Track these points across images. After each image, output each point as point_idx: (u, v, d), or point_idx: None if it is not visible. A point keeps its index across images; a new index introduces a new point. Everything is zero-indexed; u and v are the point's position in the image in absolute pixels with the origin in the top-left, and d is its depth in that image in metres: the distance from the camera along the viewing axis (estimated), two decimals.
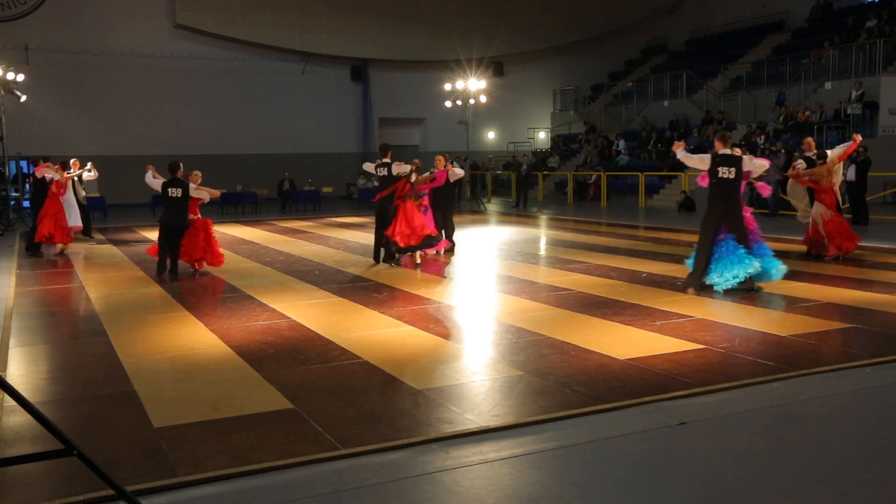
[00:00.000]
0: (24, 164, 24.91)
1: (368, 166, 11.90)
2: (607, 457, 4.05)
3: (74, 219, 14.33)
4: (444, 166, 12.14)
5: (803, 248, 11.74)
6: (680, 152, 8.82)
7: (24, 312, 8.10)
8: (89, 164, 15.34)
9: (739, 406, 4.79)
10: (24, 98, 18.94)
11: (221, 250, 10.86)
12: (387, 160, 11.23)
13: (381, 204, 11.22)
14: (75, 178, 15.02)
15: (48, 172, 13.45)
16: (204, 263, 10.48)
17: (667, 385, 5.16)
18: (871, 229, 14.71)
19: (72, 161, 15.14)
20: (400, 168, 11.14)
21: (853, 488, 3.64)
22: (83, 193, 15.89)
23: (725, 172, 8.31)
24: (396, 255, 11.07)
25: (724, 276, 8.35)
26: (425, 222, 11.19)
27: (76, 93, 25.39)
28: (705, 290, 8.50)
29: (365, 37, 29.15)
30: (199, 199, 10.53)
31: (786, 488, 3.66)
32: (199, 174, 10.69)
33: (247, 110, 28.01)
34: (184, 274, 10.26)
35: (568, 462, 4.00)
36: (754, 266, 8.25)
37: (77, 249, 13.70)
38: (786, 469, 3.87)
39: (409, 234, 10.87)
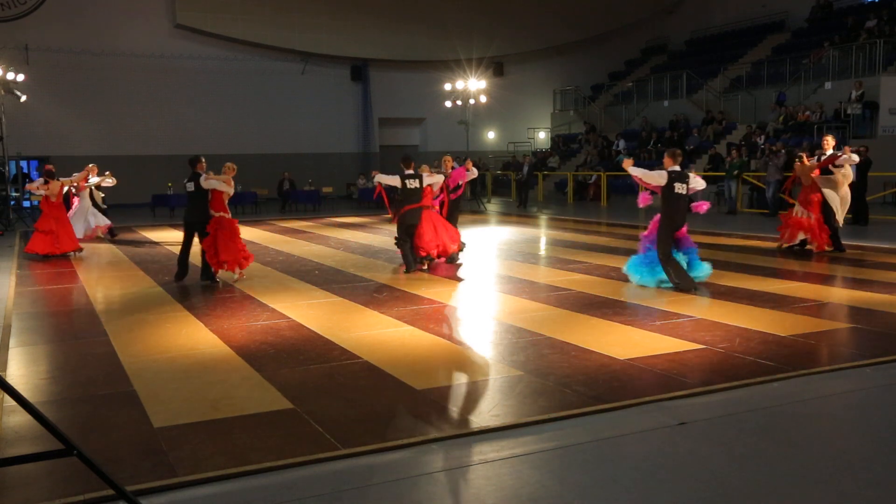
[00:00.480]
0: (24, 164, 24.90)
1: (391, 179, 10.74)
2: (607, 457, 4.05)
3: (80, 229, 14.33)
4: (463, 166, 12.01)
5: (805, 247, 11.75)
6: (632, 169, 8.88)
7: (24, 312, 8.11)
8: (107, 173, 15.50)
9: (739, 406, 4.79)
10: (24, 98, 18.95)
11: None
12: (410, 171, 10.71)
13: (412, 219, 10.61)
14: (93, 187, 15.14)
15: (34, 189, 13.21)
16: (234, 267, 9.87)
17: (667, 385, 5.16)
18: (871, 229, 14.72)
19: (90, 165, 15.21)
20: (434, 178, 10.94)
21: (853, 488, 3.64)
22: (101, 196, 15.95)
23: (680, 188, 8.62)
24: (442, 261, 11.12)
25: (645, 279, 8.90)
26: None
27: (76, 93, 25.37)
28: (701, 288, 8.57)
29: (365, 37, 29.13)
30: (223, 192, 9.81)
31: (786, 488, 3.65)
32: (233, 166, 9.92)
33: (247, 110, 28.00)
34: (189, 279, 10.21)
35: (568, 462, 4.00)
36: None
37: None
38: (786, 469, 3.87)
39: (455, 238, 11.04)
